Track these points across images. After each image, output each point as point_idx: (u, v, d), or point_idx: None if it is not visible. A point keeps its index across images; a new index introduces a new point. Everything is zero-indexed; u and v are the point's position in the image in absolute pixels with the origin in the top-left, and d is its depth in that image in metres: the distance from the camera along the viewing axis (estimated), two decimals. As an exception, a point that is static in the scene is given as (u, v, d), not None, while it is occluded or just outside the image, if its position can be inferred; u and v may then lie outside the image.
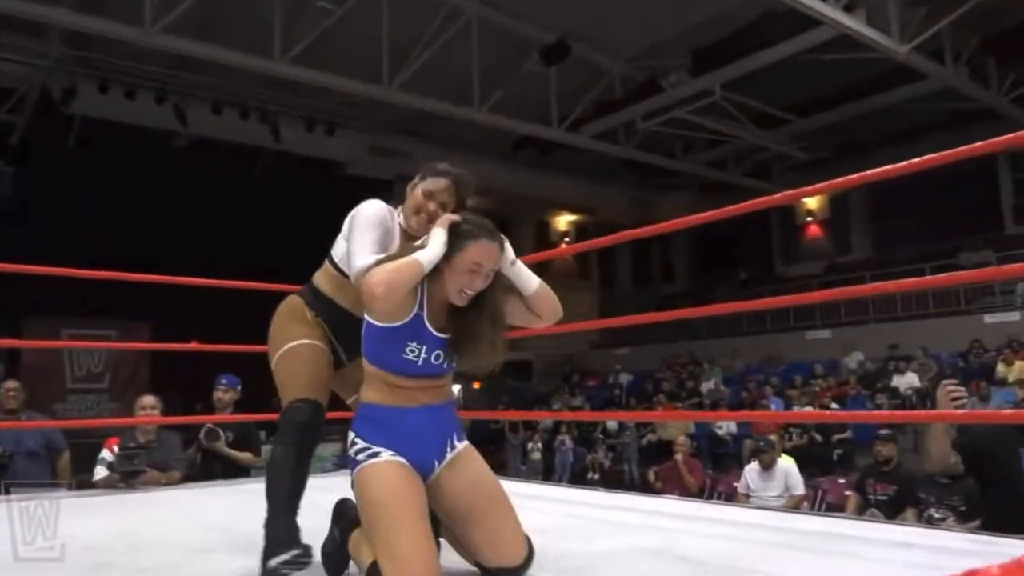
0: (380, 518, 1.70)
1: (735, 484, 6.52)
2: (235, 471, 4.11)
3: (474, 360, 1.85)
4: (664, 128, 13.24)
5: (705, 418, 10.64)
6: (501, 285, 1.90)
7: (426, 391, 1.84)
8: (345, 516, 1.92)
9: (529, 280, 1.92)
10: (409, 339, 1.78)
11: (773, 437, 6.04)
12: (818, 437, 9.02)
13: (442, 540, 1.91)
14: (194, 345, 4.01)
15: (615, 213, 18.87)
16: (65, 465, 4.16)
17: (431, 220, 2.01)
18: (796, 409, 9.68)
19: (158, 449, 3.80)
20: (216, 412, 4.36)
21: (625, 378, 15.26)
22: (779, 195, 3.54)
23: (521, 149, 14.55)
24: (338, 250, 2.19)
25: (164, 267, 3.93)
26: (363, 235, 2.06)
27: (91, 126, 11.32)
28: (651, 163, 14.85)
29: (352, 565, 1.86)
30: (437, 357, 1.81)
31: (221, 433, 4.09)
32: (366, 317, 1.84)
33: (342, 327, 2.18)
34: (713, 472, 8.93)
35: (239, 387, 4.47)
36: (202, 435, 4.04)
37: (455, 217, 1.85)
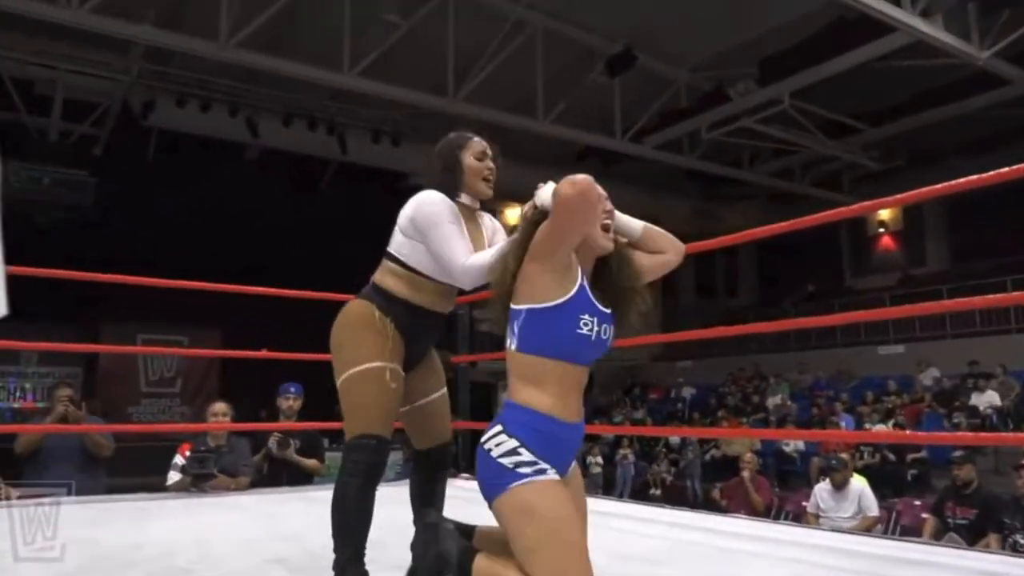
0: (552, 544, 1.58)
1: (804, 504, 6.33)
2: (301, 478, 4.18)
3: (630, 323, 1.82)
4: (730, 138, 13.02)
5: (771, 436, 10.38)
6: (627, 248, 1.90)
7: (578, 392, 1.74)
8: (452, 534, 1.78)
9: (631, 225, 1.95)
10: (581, 312, 1.69)
11: (844, 455, 5.84)
12: (891, 456, 8.69)
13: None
14: (264, 353, 4.10)
15: (678, 223, 18.55)
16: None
17: (492, 176, 2.14)
18: (868, 426, 9.36)
19: (228, 455, 3.89)
20: (281, 419, 4.43)
21: (688, 391, 15.01)
22: (854, 207, 3.45)
23: (583, 160, 14.51)
24: (404, 248, 2.09)
25: (234, 274, 4.03)
26: (449, 230, 2.01)
27: (168, 138, 11.77)
28: (715, 173, 14.61)
29: None
30: (605, 331, 1.74)
31: (291, 442, 4.16)
32: (523, 305, 1.71)
33: (417, 329, 2.11)
34: (780, 490, 8.68)
35: (303, 395, 4.55)
36: (273, 444, 4.11)
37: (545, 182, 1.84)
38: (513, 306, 1.74)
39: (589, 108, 11.97)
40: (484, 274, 1.94)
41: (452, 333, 4.71)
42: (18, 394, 12.43)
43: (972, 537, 4.85)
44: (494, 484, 1.63)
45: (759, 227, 3.39)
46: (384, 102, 11.49)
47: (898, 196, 3.05)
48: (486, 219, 2.28)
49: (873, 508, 5.34)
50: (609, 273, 1.81)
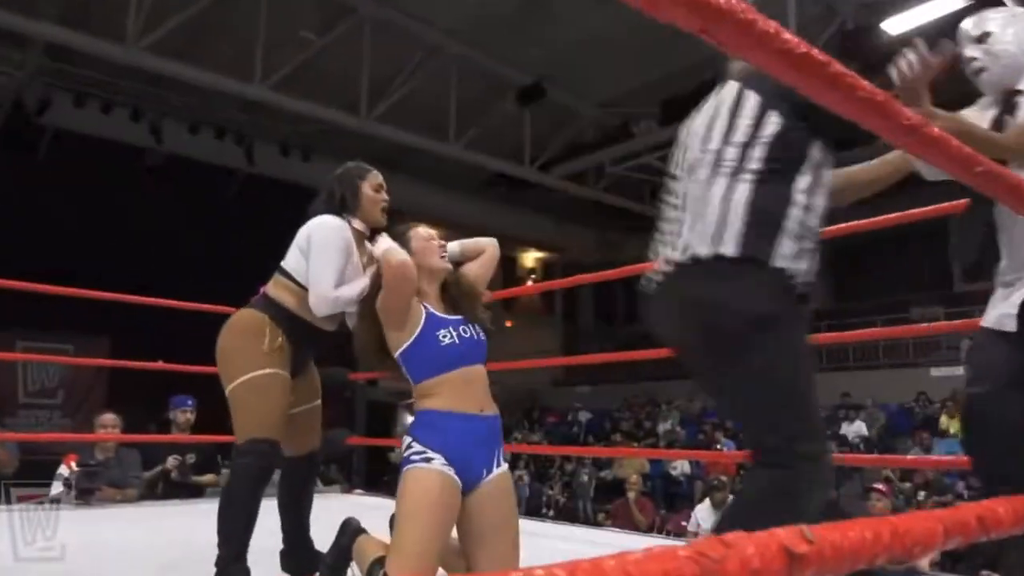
0: (405, 515, 1.84)
1: (684, 523, 6.68)
2: (193, 492, 4.15)
3: (480, 319, 2.10)
4: (633, 172, 13.58)
5: (657, 456, 10.81)
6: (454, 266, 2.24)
7: (474, 388, 2.00)
8: (352, 530, 2.06)
9: (452, 249, 2.28)
10: (436, 329, 1.99)
11: (724, 477, 6.21)
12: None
13: None
14: (159, 364, 4.07)
15: (582, 252, 19.15)
16: None
17: (387, 206, 2.40)
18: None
19: (116, 467, 3.84)
20: (174, 432, 4.40)
21: (584, 416, 15.39)
22: None
23: (492, 186, 14.80)
24: (299, 267, 2.22)
25: (126, 282, 3.99)
26: (332, 261, 2.17)
27: (63, 138, 11.29)
28: (618, 205, 15.16)
29: (351, 571, 2.00)
30: (466, 331, 2.04)
31: (188, 463, 4.14)
32: (397, 352, 2.00)
33: (303, 343, 2.22)
34: (666, 512, 9.07)
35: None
36: (172, 469, 4.08)
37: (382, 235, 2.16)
38: (393, 354, 2.03)
39: (500, 135, 12.26)
40: (340, 306, 2.16)
41: (352, 350, 4.77)
42: None
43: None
44: (401, 470, 1.94)
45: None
46: (296, 117, 11.42)
47: None
48: (372, 247, 2.44)
49: (746, 528, 5.70)
50: (451, 289, 2.15)
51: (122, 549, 2.50)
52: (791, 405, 1.51)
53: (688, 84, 11.54)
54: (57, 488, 3.65)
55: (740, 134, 1.61)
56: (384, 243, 2.07)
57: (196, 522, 3.41)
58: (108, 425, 3.99)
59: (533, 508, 10.95)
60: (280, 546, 2.35)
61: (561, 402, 17.14)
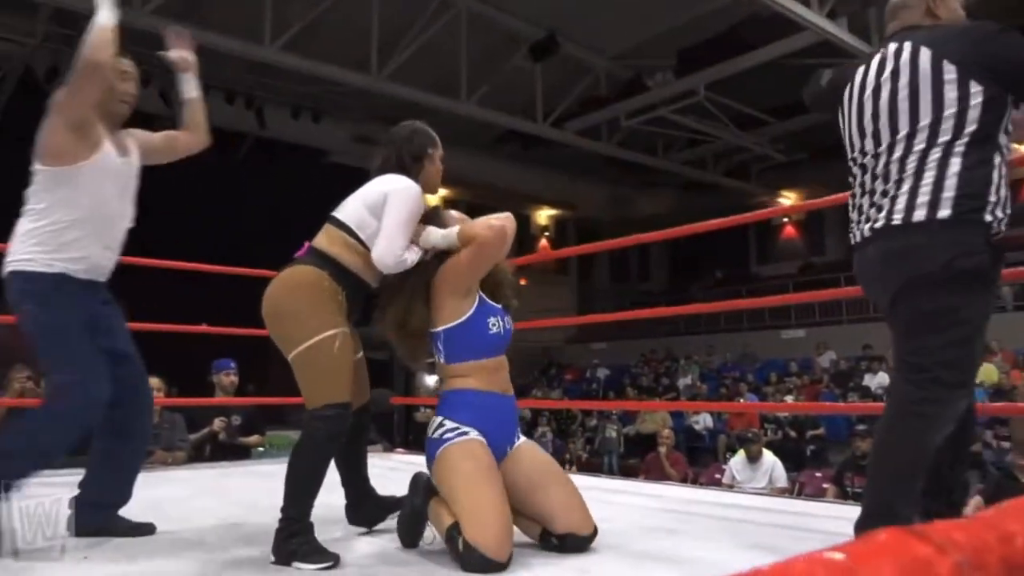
0: (463, 485, 1.90)
1: (716, 476, 6.71)
2: (240, 454, 4.17)
3: (512, 305, 2.18)
4: (647, 126, 13.40)
5: (687, 408, 10.85)
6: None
7: (501, 374, 2.11)
8: (423, 487, 2.08)
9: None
10: (488, 315, 2.07)
11: (756, 429, 6.21)
12: (792, 433, 9.25)
13: None
14: (204, 327, 4.05)
15: (595, 209, 19.06)
16: None
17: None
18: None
19: (168, 430, 3.84)
20: (219, 395, 4.40)
21: (602, 372, 15.44)
22: (765, 211, 3.80)
23: (504, 143, 14.64)
24: (360, 222, 2.10)
25: (142, 246, 3.92)
26: (408, 223, 2.07)
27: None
28: (632, 160, 15.01)
29: (429, 531, 2.02)
30: (508, 322, 2.13)
31: (235, 424, 4.15)
32: (441, 327, 2.05)
33: (357, 300, 2.14)
34: (690, 466, 9.13)
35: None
36: (220, 431, 4.09)
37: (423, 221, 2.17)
38: (431, 330, 2.08)
39: (511, 92, 12.08)
40: (401, 268, 2.12)
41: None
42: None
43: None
44: (431, 456, 2.01)
45: (671, 213, 3.64)
46: (305, 77, 11.26)
47: (808, 203, 3.36)
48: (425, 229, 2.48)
49: (783, 479, 5.73)
50: (493, 274, 2.16)
51: (184, 511, 2.50)
52: (955, 343, 1.76)
53: (703, 34, 11.36)
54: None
55: (949, 106, 1.77)
56: (434, 232, 2.13)
57: (250, 482, 3.44)
58: (153, 388, 3.97)
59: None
60: (342, 501, 2.34)
61: (577, 359, 17.20)
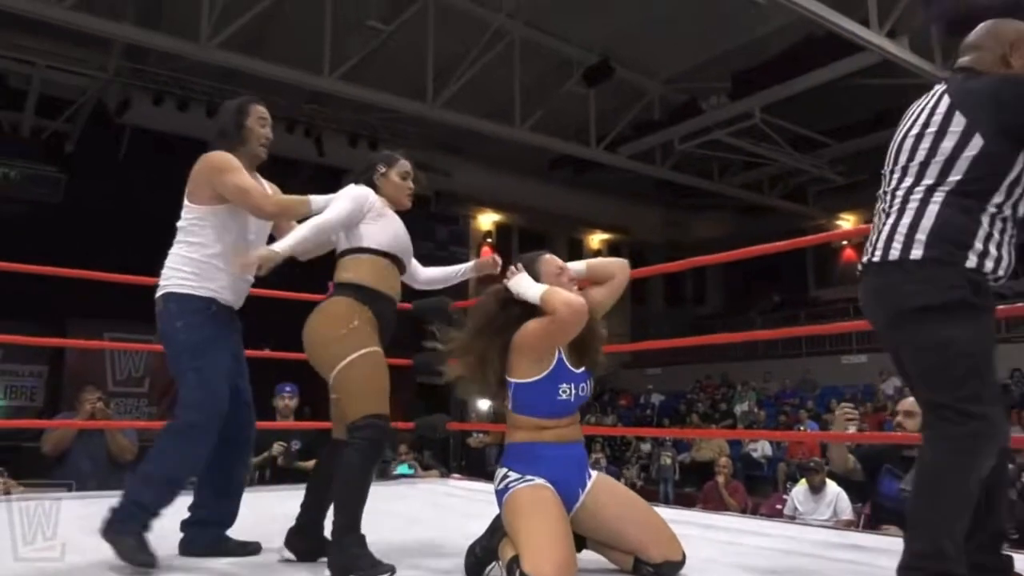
0: (523, 519, 1.91)
1: (777, 507, 6.51)
2: (298, 478, 4.21)
3: (598, 365, 2.16)
4: (701, 150, 13.31)
5: (746, 436, 10.60)
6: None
7: (570, 428, 2.10)
8: (499, 528, 2.08)
9: (578, 268, 2.26)
10: (560, 381, 2.06)
11: (818, 458, 6.02)
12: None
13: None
14: (267, 352, 4.12)
15: (648, 233, 18.94)
16: None
17: (411, 194, 2.46)
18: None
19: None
20: (277, 419, 4.46)
21: (657, 398, 15.24)
22: (825, 235, 3.73)
23: (557, 168, 14.70)
24: (344, 243, 2.31)
25: None
26: (342, 203, 2.28)
27: (142, 136, 11.61)
28: (686, 184, 14.90)
29: (497, 568, 2.02)
30: (583, 389, 2.11)
31: (294, 449, 4.20)
32: (513, 379, 2.06)
33: (385, 316, 2.27)
34: (748, 496, 8.89)
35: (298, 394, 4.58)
36: (279, 455, 4.15)
37: (517, 264, 2.16)
38: (506, 377, 2.09)
39: (565, 117, 12.15)
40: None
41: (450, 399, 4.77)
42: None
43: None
44: (500, 504, 2.05)
45: (726, 237, 3.61)
46: (363, 106, 11.52)
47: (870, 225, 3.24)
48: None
49: (848, 511, 5.51)
50: (584, 334, 2.08)
51: (249, 530, 2.53)
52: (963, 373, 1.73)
53: (758, 56, 11.26)
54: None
55: (941, 153, 1.80)
56: (524, 281, 2.09)
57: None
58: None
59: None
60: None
61: (632, 384, 17.01)
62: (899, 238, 1.81)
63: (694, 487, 8.87)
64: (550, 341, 2.03)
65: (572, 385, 2.07)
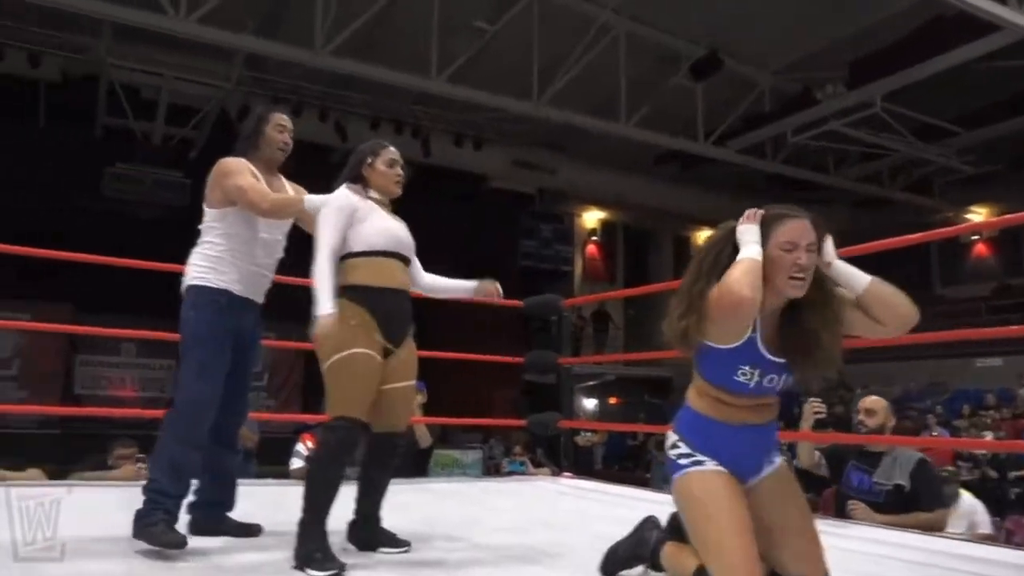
0: (710, 527, 1.74)
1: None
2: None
3: (808, 374, 1.82)
4: (815, 142, 12.75)
5: (869, 441, 10.09)
6: (832, 290, 1.81)
7: (752, 410, 1.82)
8: (654, 540, 1.98)
9: (855, 278, 1.78)
10: (742, 363, 1.75)
11: (951, 467, 5.66)
12: (992, 473, 8.36)
13: None
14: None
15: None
16: None
17: (399, 181, 2.59)
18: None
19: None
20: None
21: (769, 400, 14.71)
22: (956, 228, 3.65)
23: (663, 163, 14.43)
24: (345, 241, 2.41)
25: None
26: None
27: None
28: (798, 178, 14.31)
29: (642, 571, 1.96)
30: (771, 380, 1.77)
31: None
32: (702, 339, 1.76)
33: (387, 308, 2.37)
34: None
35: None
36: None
37: (758, 211, 1.79)
38: (696, 335, 1.78)
39: (671, 112, 11.90)
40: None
41: (556, 334, 4.77)
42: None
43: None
44: (670, 475, 1.88)
45: (841, 232, 3.42)
46: (468, 105, 11.65)
47: (1008, 217, 3.03)
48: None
49: (986, 524, 5.12)
50: (805, 322, 1.77)
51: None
52: None
53: (878, 42, 10.68)
54: (297, 464, 3.88)
55: None
56: (748, 234, 1.75)
57: (427, 498, 3.53)
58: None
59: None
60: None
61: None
62: None
63: (812, 493, 8.48)
64: (712, 316, 1.72)
65: (757, 371, 1.75)
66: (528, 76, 10.58)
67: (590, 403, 15.66)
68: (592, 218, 17.06)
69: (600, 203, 16.63)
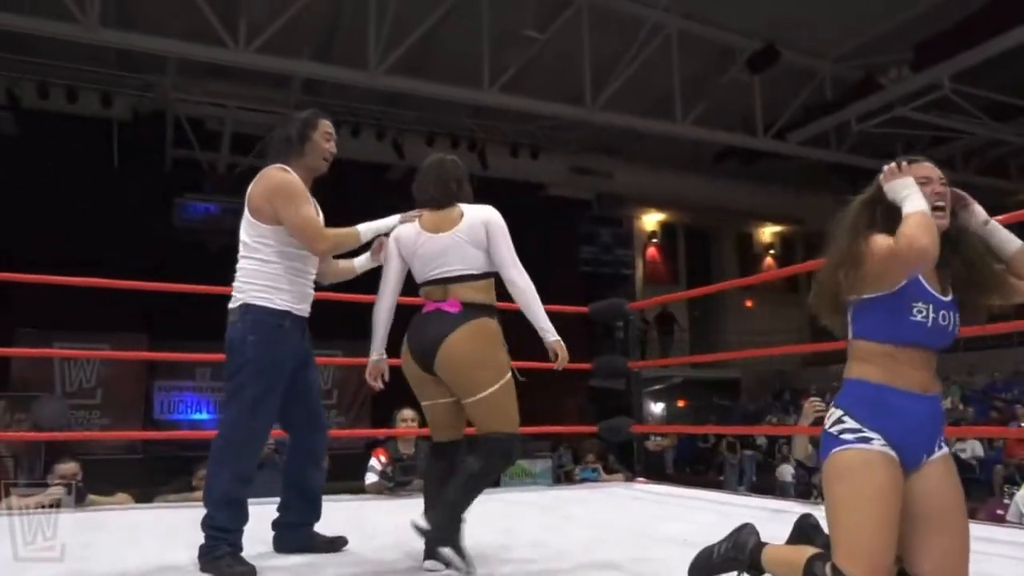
0: (857, 511, 1.63)
1: (998, 512, 5.87)
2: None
3: (978, 301, 1.80)
4: (881, 128, 12.34)
5: (952, 434, 9.70)
6: (976, 243, 1.84)
7: (926, 368, 1.72)
8: (751, 549, 1.91)
9: (1009, 239, 1.83)
10: (914, 300, 1.69)
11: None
12: (1091, 465, 7.92)
13: None
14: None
15: (824, 222, 17.65)
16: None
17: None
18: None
19: (422, 459, 4.06)
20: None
21: (843, 397, 14.27)
22: None
23: (722, 161, 14.19)
24: (478, 262, 2.45)
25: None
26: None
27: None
28: (864, 166, 13.87)
29: None
30: (944, 318, 1.71)
31: None
32: (859, 296, 1.74)
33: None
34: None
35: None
36: None
37: (897, 164, 1.79)
38: (848, 297, 1.77)
39: (728, 107, 11.72)
40: None
41: (624, 338, 4.72)
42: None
43: None
44: (824, 452, 1.72)
45: None
46: (522, 115, 11.68)
47: None
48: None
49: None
50: (957, 255, 1.79)
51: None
52: None
53: (942, 22, 10.28)
54: (372, 479, 3.93)
55: None
56: (903, 188, 1.74)
57: (509, 510, 3.53)
58: (408, 419, 4.22)
59: (801, 494, 10.33)
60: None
61: (814, 383, 16.05)
62: None
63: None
64: (882, 269, 1.68)
65: (931, 307, 1.69)
66: (581, 81, 10.55)
67: (657, 407, 15.47)
68: (651, 220, 16.89)
69: (659, 204, 16.45)
